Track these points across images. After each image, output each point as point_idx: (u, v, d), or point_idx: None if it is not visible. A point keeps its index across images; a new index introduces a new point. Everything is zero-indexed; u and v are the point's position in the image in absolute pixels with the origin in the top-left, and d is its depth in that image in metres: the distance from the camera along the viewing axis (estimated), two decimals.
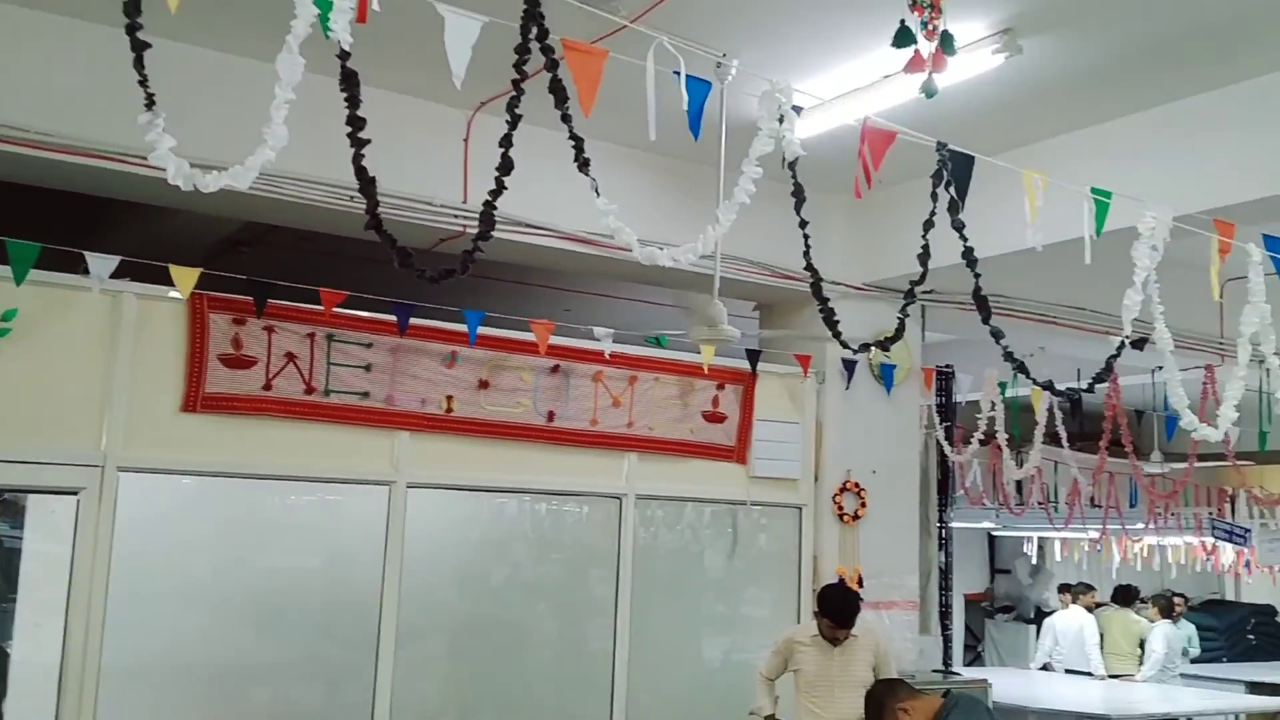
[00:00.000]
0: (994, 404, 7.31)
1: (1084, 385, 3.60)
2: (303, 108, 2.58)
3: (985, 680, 7.03)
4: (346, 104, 2.57)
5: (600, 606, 6.09)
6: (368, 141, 2.58)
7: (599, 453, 6.07)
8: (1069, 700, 9.65)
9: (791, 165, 3.30)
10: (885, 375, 6.87)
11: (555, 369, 5.91)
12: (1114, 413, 6.93)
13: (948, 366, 7.91)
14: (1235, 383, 3.58)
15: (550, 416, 5.90)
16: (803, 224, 3.29)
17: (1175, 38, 4.49)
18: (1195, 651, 11.50)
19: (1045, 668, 11.20)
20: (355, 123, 2.57)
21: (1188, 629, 11.72)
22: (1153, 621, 11.17)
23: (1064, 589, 11.72)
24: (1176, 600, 11.81)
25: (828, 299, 3.47)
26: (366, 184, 2.62)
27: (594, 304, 8.51)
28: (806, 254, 3.37)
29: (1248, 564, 11.40)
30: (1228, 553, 11.22)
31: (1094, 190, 3.85)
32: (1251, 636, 13.54)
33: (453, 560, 5.81)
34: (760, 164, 3.23)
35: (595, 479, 6.08)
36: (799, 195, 3.30)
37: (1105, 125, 5.45)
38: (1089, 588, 11.81)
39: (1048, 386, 3.78)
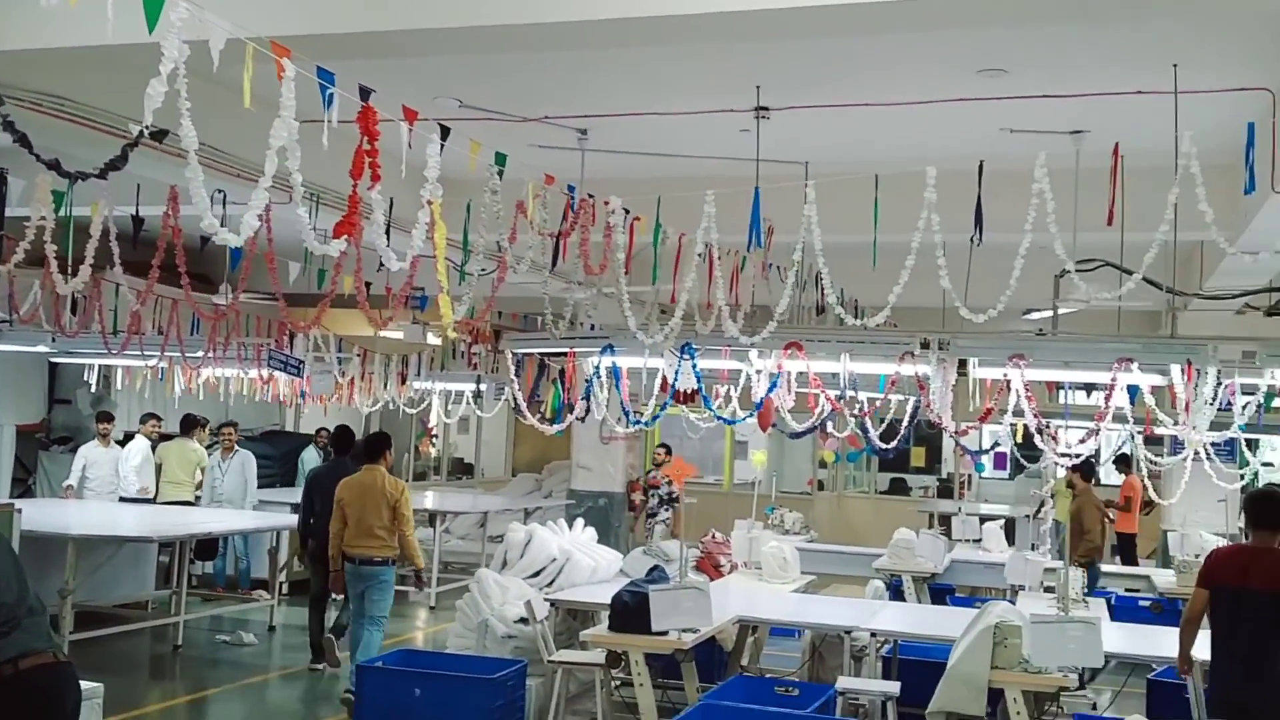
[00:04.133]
0: (44, 216, 6.69)
1: (95, 170, 3.38)
2: None
3: (12, 505, 6.57)
4: None
5: None
6: None
7: None
8: (115, 526, 9.57)
9: None
10: None
11: None
12: (175, 236, 6.79)
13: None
14: (260, 193, 3.67)
15: None
16: None
17: None
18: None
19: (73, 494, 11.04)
20: None
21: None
22: (225, 456, 11.61)
23: (103, 418, 11.53)
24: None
25: None
26: None
27: None
28: None
29: (303, 394, 12.27)
30: (285, 383, 11.94)
31: None
32: None
33: None
34: None
35: None
36: None
37: None
38: (154, 417, 11.82)
39: (53, 166, 3.49)
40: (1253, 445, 10.36)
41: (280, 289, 6.83)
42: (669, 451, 13.06)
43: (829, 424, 10.90)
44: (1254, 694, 5.34)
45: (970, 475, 17.54)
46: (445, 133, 5.79)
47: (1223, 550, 5.95)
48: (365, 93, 5.06)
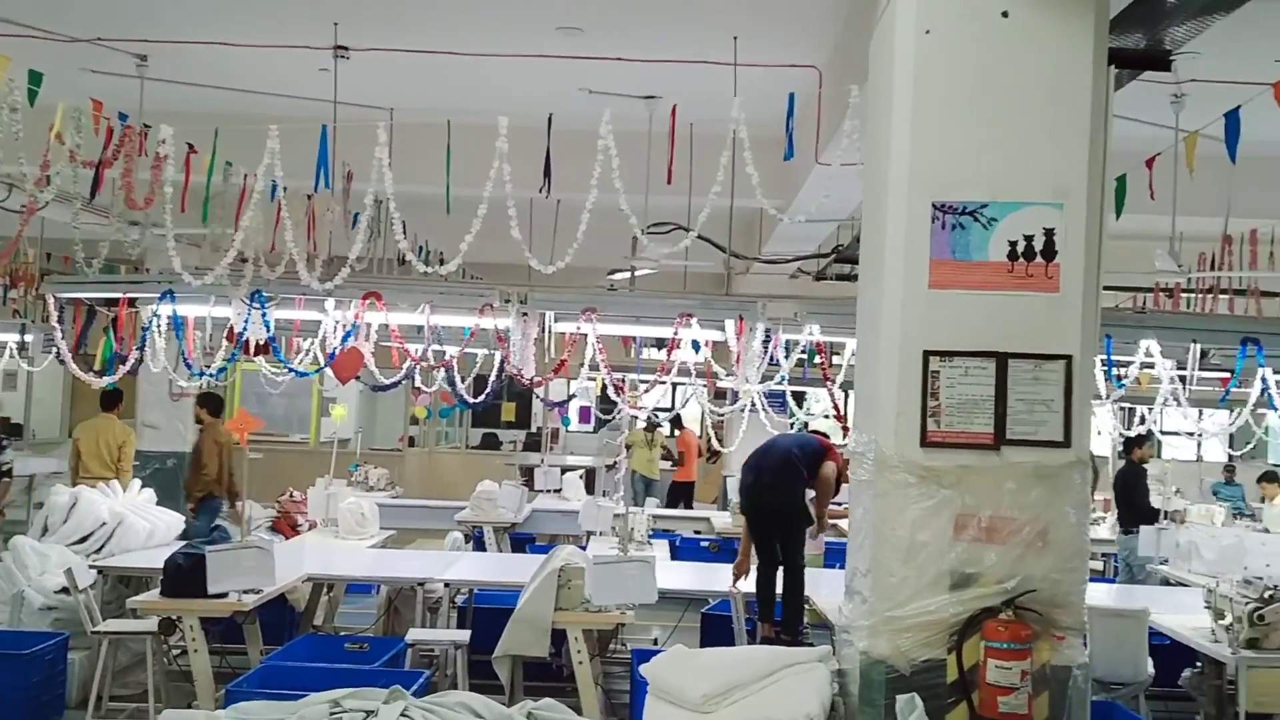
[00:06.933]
0: None
1: None
2: None
3: None
4: None
5: None
6: None
7: None
8: None
9: None
10: None
11: None
12: None
13: None
14: None
15: None
16: None
17: None
18: None
19: None
20: None
21: None
22: None
23: None
24: None
25: None
26: None
27: None
28: None
29: None
30: None
31: None
32: None
33: None
34: None
35: None
36: None
37: None
38: None
39: None
40: (799, 397, 11.36)
41: None
42: None
43: (416, 378, 10.79)
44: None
45: (557, 429, 18.07)
46: None
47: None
48: None
